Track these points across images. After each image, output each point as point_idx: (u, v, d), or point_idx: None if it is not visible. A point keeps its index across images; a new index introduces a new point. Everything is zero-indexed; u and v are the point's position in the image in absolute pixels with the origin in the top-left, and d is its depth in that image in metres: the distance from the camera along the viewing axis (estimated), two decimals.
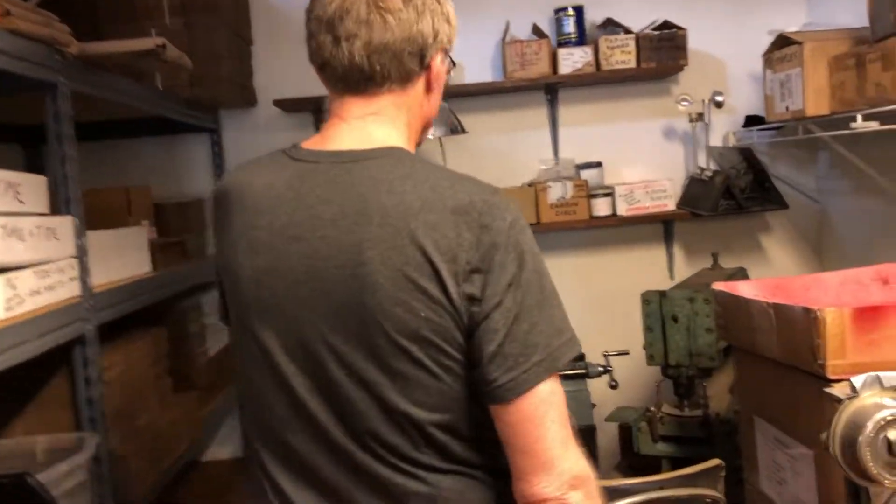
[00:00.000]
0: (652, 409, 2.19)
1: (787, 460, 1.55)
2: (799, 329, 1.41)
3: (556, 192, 2.91)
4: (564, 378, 2.75)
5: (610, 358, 2.76)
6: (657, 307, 2.18)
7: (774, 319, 1.49)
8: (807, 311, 1.38)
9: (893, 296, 1.79)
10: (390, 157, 1.07)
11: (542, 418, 1.00)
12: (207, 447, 3.07)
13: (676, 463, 2.19)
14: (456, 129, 2.74)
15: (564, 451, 1.00)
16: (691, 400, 2.21)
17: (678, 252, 3.24)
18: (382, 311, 0.98)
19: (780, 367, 1.52)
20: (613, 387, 2.70)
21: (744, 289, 1.76)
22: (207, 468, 2.97)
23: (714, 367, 2.16)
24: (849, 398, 1.08)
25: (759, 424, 1.65)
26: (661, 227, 3.22)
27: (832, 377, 1.35)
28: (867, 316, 1.34)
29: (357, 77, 1.09)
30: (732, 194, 2.88)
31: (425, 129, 1.21)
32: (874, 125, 2.17)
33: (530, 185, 2.98)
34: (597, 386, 2.79)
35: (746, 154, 2.94)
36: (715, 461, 1.77)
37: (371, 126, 1.10)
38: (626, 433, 2.30)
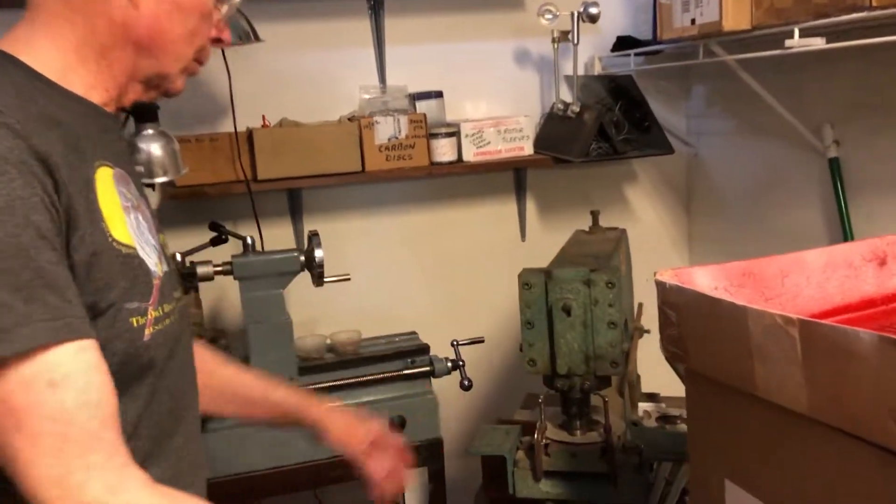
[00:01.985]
0: (535, 432, 1.56)
1: None
2: (863, 371, 0.80)
3: (385, 129, 2.18)
4: (406, 379, 2.08)
5: (460, 349, 2.12)
6: (541, 293, 1.53)
7: (801, 347, 0.87)
8: (888, 342, 0.76)
9: (893, 283, 1.25)
10: None
11: None
12: None
13: None
14: (247, 36, 1.93)
15: (60, 491, 0.73)
16: (584, 420, 1.61)
17: (531, 207, 2.63)
18: None
19: (793, 419, 0.92)
20: (466, 387, 2.06)
21: (701, 279, 1.15)
22: None
23: (617, 374, 1.56)
24: None
25: (736, 495, 1.06)
26: (512, 177, 2.60)
27: None
28: None
29: None
30: (607, 136, 2.29)
31: (142, 49, 0.94)
32: (818, 42, 1.62)
33: (351, 118, 2.23)
34: (444, 386, 2.15)
35: (622, 84, 2.35)
36: None
37: (20, 24, 0.91)
38: (491, 459, 1.67)
